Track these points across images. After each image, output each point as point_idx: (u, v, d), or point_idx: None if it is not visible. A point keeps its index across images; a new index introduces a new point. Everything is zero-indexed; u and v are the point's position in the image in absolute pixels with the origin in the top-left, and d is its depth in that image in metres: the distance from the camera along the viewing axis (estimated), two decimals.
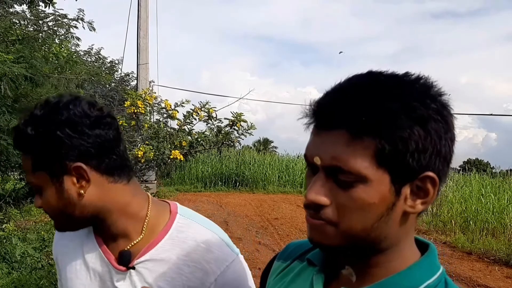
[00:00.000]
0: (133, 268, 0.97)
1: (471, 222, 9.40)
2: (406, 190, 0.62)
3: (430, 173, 0.62)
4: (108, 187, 0.93)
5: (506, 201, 10.15)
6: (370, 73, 0.65)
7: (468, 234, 8.89)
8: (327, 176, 0.63)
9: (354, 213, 0.62)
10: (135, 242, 0.98)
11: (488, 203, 10.21)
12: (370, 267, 0.68)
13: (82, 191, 0.91)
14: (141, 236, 0.98)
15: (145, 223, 0.99)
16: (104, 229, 0.99)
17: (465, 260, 7.41)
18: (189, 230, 1.00)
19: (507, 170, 15.21)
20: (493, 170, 16.63)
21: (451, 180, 14.34)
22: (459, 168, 18.91)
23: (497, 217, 9.37)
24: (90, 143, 0.89)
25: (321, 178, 0.63)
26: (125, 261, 0.97)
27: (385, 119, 0.59)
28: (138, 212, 0.99)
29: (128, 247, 0.98)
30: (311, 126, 0.65)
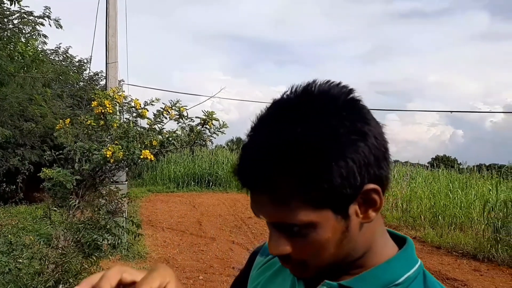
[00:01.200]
0: None
1: (439, 217, 9.62)
2: (354, 208, 0.63)
3: (370, 186, 0.62)
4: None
5: (473, 196, 10.43)
6: (271, 121, 0.64)
7: (437, 228, 9.11)
8: (279, 229, 0.65)
9: (316, 252, 0.65)
10: None
11: (456, 198, 10.48)
12: (353, 268, 0.70)
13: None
14: None
15: None
16: None
17: (435, 254, 7.58)
18: None
19: (473, 166, 15.67)
20: (461, 166, 17.14)
21: (420, 176, 14.66)
22: (427, 165, 19.36)
23: (465, 212, 9.62)
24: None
25: (274, 232, 0.66)
26: None
27: (300, 174, 0.59)
28: None
29: None
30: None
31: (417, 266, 0.70)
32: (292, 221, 0.62)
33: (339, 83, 0.65)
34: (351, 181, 0.60)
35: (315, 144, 0.59)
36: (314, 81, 0.65)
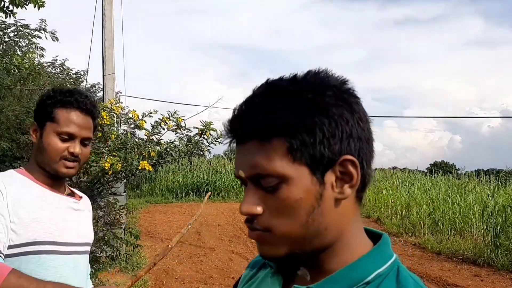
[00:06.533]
0: None
1: (439, 223, 9.61)
2: (331, 178, 0.64)
3: (348, 156, 0.63)
4: None
5: (471, 202, 10.44)
6: (267, 81, 0.68)
7: (437, 235, 9.09)
8: (255, 186, 0.65)
9: (285, 214, 0.64)
10: None
11: (455, 204, 10.48)
12: (323, 264, 0.68)
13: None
14: None
15: None
16: None
17: (435, 260, 7.56)
18: None
19: (472, 171, 15.69)
20: (459, 172, 17.15)
21: (418, 182, 14.66)
22: (426, 171, 19.39)
23: (464, 217, 9.62)
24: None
25: (250, 189, 0.66)
26: None
27: (286, 117, 0.62)
28: None
29: None
30: (233, 144, 0.69)
31: (390, 262, 0.67)
32: (269, 171, 0.63)
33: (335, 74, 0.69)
34: (331, 142, 0.62)
35: (303, 99, 0.63)
36: (312, 70, 0.69)
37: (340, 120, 0.63)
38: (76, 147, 1.45)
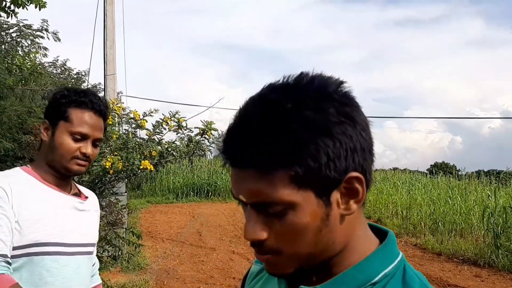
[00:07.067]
0: None
1: (439, 223, 9.61)
2: (336, 197, 0.62)
3: (353, 174, 0.62)
4: None
5: (472, 202, 10.43)
6: (261, 95, 0.64)
7: (437, 235, 9.08)
8: (257, 210, 0.63)
9: (293, 237, 0.62)
10: None
11: (456, 204, 10.47)
12: (330, 269, 0.67)
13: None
14: None
15: None
16: None
17: (435, 261, 7.56)
18: None
19: (472, 172, 15.68)
20: (459, 173, 17.13)
21: (419, 183, 14.66)
22: (426, 172, 19.37)
23: (464, 218, 9.61)
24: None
25: (252, 214, 0.64)
26: None
27: (287, 146, 0.58)
28: None
29: None
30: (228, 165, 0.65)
31: (396, 261, 0.67)
32: (274, 199, 0.60)
33: (331, 76, 0.65)
34: (336, 163, 0.60)
35: (305, 120, 0.59)
36: (303, 72, 0.65)
37: (344, 138, 0.60)
38: (88, 148, 1.47)
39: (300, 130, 0.58)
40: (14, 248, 1.32)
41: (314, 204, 0.61)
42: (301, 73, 0.64)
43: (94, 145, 1.50)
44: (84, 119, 1.46)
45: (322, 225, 0.62)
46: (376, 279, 0.65)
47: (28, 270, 1.34)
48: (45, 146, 1.49)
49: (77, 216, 1.52)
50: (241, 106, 0.64)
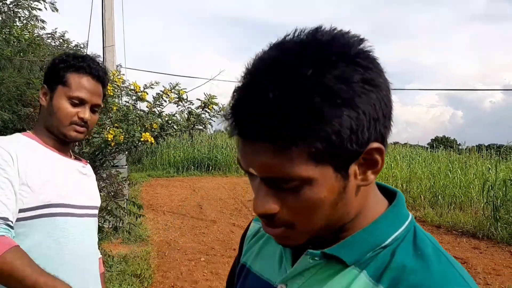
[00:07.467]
0: None
1: (439, 197, 9.67)
2: (354, 168, 0.58)
3: (375, 145, 0.57)
4: None
5: (472, 176, 10.48)
6: (276, 59, 0.56)
7: (437, 208, 9.16)
8: (269, 184, 0.59)
9: (308, 212, 0.59)
10: None
11: (455, 178, 10.53)
12: (339, 233, 0.65)
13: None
14: None
15: None
16: None
17: (435, 233, 7.63)
18: None
19: (473, 146, 15.69)
20: (460, 147, 17.14)
21: (419, 157, 14.68)
22: (427, 146, 19.39)
23: (464, 191, 9.67)
24: None
25: (262, 187, 0.59)
26: None
27: (308, 121, 0.52)
28: None
29: None
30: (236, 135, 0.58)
31: (406, 223, 0.65)
32: (290, 175, 0.55)
33: (348, 32, 0.58)
34: (359, 136, 0.54)
35: (327, 90, 0.52)
36: (320, 27, 0.58)
37: (368, 108, 0.55)
38: (86, 113, 1.46)
39: (323, 103, 0.52)
40: (25, 210, 1.31)
41: (332, 178, 0.57)
42: (317, 29, 0.57)
43: (93, 111, 1.49)
44: (82, 84, 1.45)
45: (338, 198, 0.59)
46: (387, 242, 0.62)
47: (40, 231, 1.34)
48: (44, 111, 1.48)
49: (82, 179, 1.53)
50: (250, 69, 0.57)
